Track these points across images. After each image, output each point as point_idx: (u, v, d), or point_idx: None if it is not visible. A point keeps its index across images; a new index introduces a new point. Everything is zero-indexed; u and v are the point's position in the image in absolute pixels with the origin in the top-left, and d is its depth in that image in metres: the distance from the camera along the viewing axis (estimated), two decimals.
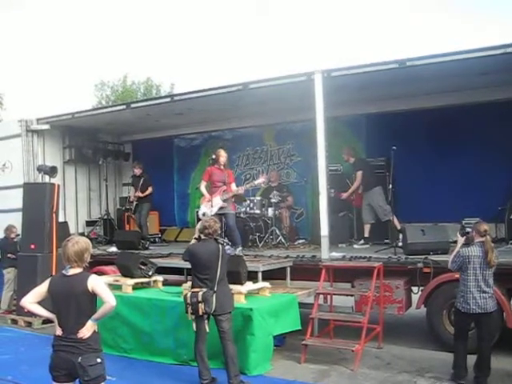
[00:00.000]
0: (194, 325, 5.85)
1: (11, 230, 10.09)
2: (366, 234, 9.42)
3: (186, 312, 5.85)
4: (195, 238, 6.20)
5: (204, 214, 8.22)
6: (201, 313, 5.71)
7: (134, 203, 11.40)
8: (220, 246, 5.94)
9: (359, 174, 9.42)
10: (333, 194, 9.16)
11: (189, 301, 5.77)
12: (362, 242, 9.38)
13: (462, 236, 6.01)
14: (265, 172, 11.49)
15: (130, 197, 11.77)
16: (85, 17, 48.52)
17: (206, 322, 5.80)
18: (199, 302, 5.69)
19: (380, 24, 49.19)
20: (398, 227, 8.70)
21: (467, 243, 5.92)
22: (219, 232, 6.10)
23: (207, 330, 5.82)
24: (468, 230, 6.14)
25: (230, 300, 5.99)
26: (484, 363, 5.77)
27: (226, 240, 6.26)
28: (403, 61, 7.41)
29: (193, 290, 5.83)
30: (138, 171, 11.50)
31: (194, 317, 5.81)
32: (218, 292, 5.74)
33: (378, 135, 9.67)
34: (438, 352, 6.73)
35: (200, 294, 5.71)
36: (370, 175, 9.41)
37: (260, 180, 9.32)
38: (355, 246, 9.34)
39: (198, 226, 6.27)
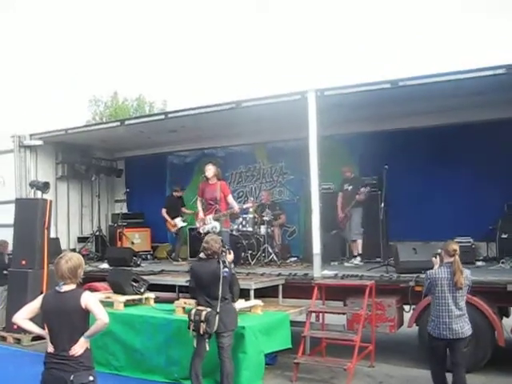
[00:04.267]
0: (195, 341, 5.78)
1: (5, 246, 10.00)
2: (360, 251, 9.43)
3: (188, 328, 5.80)
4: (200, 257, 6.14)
5: (214, 229, 8.23)
6: (202, 332, 5.66)
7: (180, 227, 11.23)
8: (221, 265, 5.82)
9: (364, 190, 9.30)
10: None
11: (192, 318, 5.73)
12: (359, 258, 9.36)
13: (436, 257, 5.63)
14: (256, 191, 11.57)
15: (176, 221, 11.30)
16: (76, 31, 48.66)
17: (207, 341, 5.73)
18: (201, 322, 5.64)
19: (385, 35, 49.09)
20: (356, 252, 9.33)
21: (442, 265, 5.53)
22: (220, 252, 6.03)
23: (207, 348, 5.74)
24: (439, 250, 5.72)
25: (233, 318, 5.92)
26: None
27: (228, 259, 6.14)
28: (395, 81, 7.52)
29: (197, 308, 5.79)
30: (179, 193, 11.52)
31: (195, 333, 5.75)
32: (220, 312, 5.69)
33: (371, 154, 9.73)
34: None
35: (203, 313, 5.66)
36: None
37: (248, 204, 9.41)
38: (355, 262, 9.30)
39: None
